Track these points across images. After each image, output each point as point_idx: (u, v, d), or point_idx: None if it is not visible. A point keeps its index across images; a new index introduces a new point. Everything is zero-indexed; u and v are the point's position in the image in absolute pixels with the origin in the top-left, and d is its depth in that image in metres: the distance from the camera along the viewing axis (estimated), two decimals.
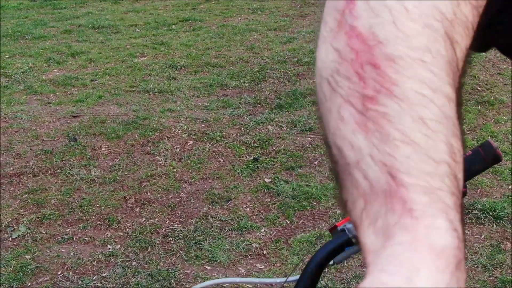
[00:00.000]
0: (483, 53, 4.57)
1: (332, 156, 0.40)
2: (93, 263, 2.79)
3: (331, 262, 0.88)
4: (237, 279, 0.91)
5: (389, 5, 0.38)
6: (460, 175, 0.37)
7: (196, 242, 2.90)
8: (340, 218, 3.00)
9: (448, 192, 0.35)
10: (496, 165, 3.40)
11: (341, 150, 0.38)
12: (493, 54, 5.02)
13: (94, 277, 2.70)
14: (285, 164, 3.57)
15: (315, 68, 0.41)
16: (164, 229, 3.02)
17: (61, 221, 3.13)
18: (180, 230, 3.00)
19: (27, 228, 3.07)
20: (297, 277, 0.86)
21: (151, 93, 4.82)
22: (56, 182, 3.50)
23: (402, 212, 0.34)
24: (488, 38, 0.56)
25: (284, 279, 0.89)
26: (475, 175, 0.85)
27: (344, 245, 0.86)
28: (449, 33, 0.39)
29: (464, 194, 0.88)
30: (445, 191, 0.35)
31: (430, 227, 0.33)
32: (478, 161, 0.83)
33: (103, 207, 3.23)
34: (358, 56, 0.38)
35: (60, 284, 2.67)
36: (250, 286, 2.53)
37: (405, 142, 0.36)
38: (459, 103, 0.40)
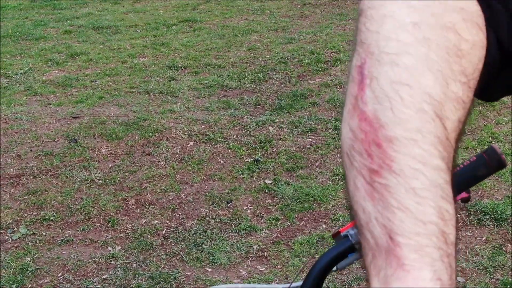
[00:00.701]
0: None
1: (351, 215, 0.49)
2: (94, 265, 2.78)
3: (334, 268, 0.87)
4: (239, 285, 0.91)
5: (388, 94, 0.47)
6: (449, 230, 0.45)
7: (196, 244, 2.89)
8: (342, 221, 3.00)
9: (434, 248, 0.44)
10: None
11: (357, 213, 0.47)
12: None
13: (95, 279, 2.69)
14: (286, 165, 3.57)
15: (341, 142, 0.51)
16: (164, 231, 3.02)
17: (61, 222, 3.12)
18: (181, 231, 3.00)
19: (27, 229, 3.07)
20: (300, 283, 0.86)
21: (151, 94, 4.81)
22: (57, 183, 3.49)
23: (397, 267, 0.44)
24: (495, 92, 0.63)
25: (287, 285, 0.89)
26: (479, 181, 0.85)
27: (347, 252, 0.85)
28: (438, 112, 0.47)
29: (468, 199, 0.88)
30: (431, 247, 0.44)
31: (417, 278, 0.43)
32: (482, 166, 0.83)
33: (103, 209, 3.22)
34: (366, 136, 0.47)
35: (61, 286, 2.66)
36: None
37: (400, 209, 0.44)
38: (452, 167, 0.48)
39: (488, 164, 0.83)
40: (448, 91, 0.48)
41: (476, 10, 0.52)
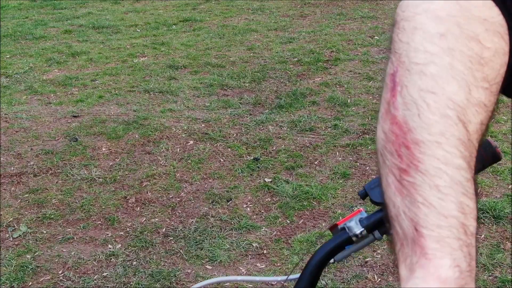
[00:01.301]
0: None
1: (384, 209, 0.55)
2: (94, 262, 2.80)
3: (332, 260, 0.88)
4: (238, 278, 0.92)
5: (416, 101, 0.53)
6: (469, 222, 0.51)
7: (196, 242, 2.90)
8: (341, 219, 3.00)
9: (454, 239, 0.50)
10: (496, 165, 3.40)
11: (388, 207, 0.53)
12: None
13: (95, 277, 2.70)
14: (285, 164, 3.58)
15: (376, 142, 0.57)
16: (164, 229, 3.03)
17: (61, 220, 3.13)
18: (181, 229, 3.01)
19: (28, 227, 3.08)
20: (298, 275, 0.87)
21: (151, 93, 4.83)
22: (57, 182, 3.51)
23: (420, 255, 0.50)
24: None
25: (284, 277, 0.90)
26: (475, 174, 0.85)
27: (344, 244, 0.87)
28: (461, 116, 0.52)
29: None
30: (452, 238, 0.50)
31: (437, 265, 0.49)
32: (477, 160, 0.84)
33: (103, 207, 3.23)
34: (397, 138, 0.53)
35: (61, 284, 2.67)
36: (251, 285, 2.54)
37: (425, 205, 0.50)
38: (474, 165, 0.54)
39: (483, 157, 0.84)
40: (471, 97, 0.53)
41: (498, 20, 0.57)
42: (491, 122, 0.57)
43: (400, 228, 0.52)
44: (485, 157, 0.84)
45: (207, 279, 2.64)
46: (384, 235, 0.90)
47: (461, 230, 0.50)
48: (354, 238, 0.86)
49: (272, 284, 2.56)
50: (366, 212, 0.91)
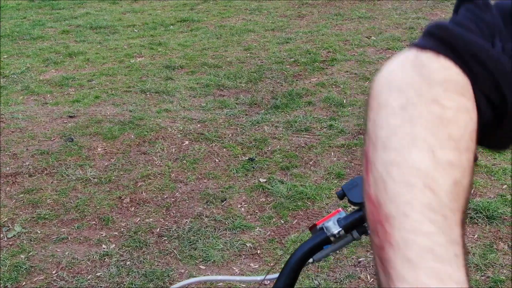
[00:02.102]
0: None
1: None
2: (88, 262, 2.80)
3: (311, 260, 0.89)
4: (219, 277, 0.92)
5: (382, 175, 0.54)
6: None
7: (190, 242, 2.91)
8: None
9: None
10: (490, 165, 3.40)
11: (378, 275, 0.54)
12: None
13: (89, 277, 2.71)
14: (280, 164, 3.58)
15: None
16: (158, 229, 3.03)
17: (56, 221, 3.14)
18: (175, 229, 3.01)
19: (23, 227, 3.08)
20: (276, 275, 0.88)
21: (147, 93, 4.83)
22: (52, 182, 3.51)
23: None
24: (502, 141, 0.67)
25: (262, 277, 0.90)
26: None
27: (322, 244, 0.87)
28: (426, 181, 0.52)
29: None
30: None
31: None
32: None
33: (98, 207, 3.24)
34: (372, 216, 0.54)
35: (55, 284, 2.68)
36: (244, 285, 2.54)
37: (398, 279, 0.51)
38: (449, 225, 0.53)
39: None
40: (436, 159, 0.53)
41: (458, 79, 0.57)
42: (472, 177, 0.57)
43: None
44: None
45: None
46: (363, 235, 0.91)
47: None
48: (332, 238, 0.86)
49: (265, 284, 2.56)
50: (345, 212, 0.91)
